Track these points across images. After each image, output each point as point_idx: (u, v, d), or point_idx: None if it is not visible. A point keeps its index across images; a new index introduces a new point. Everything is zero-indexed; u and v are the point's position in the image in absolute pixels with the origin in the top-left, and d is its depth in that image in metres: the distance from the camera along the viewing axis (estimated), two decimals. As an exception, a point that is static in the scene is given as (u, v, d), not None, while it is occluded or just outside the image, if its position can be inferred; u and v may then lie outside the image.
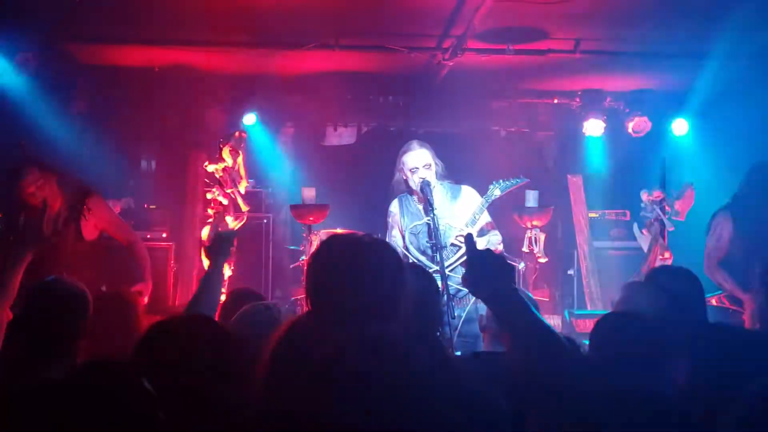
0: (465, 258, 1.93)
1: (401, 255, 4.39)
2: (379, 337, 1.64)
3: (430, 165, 4.28)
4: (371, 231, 2.33)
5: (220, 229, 5.33)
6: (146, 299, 4.16)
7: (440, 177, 4.35)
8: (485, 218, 4.30)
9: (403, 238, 4.36)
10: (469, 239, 1.97)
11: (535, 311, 1.90)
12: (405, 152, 4.35)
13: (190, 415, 1.97)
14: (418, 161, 4.29)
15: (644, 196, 5.15)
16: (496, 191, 4.22)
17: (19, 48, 5.58)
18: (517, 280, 6.22)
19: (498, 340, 2.75)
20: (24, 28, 5.48)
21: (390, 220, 4.47)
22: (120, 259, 4.85)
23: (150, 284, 4.29)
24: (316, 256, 1.98)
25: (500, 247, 4.31)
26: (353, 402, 1.56)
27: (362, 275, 1.88)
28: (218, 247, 3.09)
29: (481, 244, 4.16)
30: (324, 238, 2.09)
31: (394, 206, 4.45)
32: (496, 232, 4.36)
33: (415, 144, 4.37)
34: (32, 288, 2.89)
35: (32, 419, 1.70)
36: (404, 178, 4.36)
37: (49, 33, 5.62)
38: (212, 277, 3.03)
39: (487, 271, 1.85)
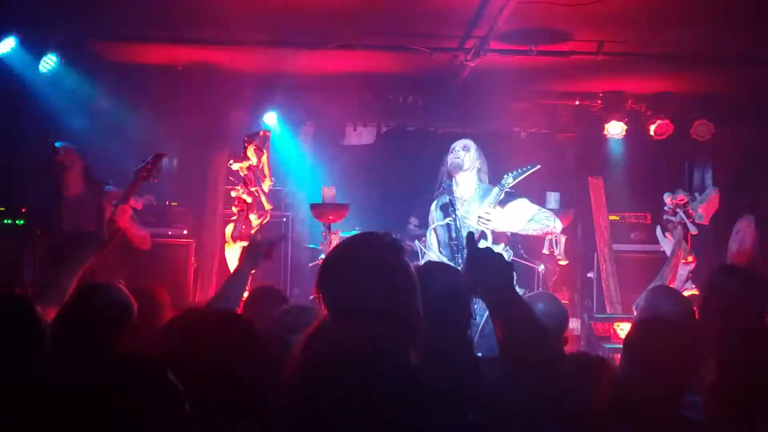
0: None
1: (419, 254, 4.52)
2: (359, 338, 1.65)
3: (469, 148, 4.50)
4: (389, 230, 2.33)
5: (253, 231, 5.39)
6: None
7: (481, 177, 4.47)
8: (514, 208, 4.35)
9: (436, 234, 4.50)
10: (470, 237, 2.01)
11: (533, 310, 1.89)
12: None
13: (217, 409, 1.99)
14: (459, 143, 4.55)
15: (668, 199, 5.09)
16: (509, 180, 4.39)
17: (45, 45, 5.65)
18: (535, 282, 6.20)
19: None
20: (49, 25, 5.56)
21: (429, 218, 4.65)
22: (139, 255, 4.92)
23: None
24: (326, 257, 2.03)
25: (548, 228, 4.39)
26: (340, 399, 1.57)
27: (356, 275, 1.89)
28: (254, 251, 3.13)
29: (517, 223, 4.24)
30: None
31: (434, 205, 4.62)
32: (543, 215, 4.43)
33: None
34: (83, 288, 2.89)
35: (60, 411, 1.73)
36: (447, 168, 4.53)
37: (74, 30, 5.69)
38: (240, 276, 3.07)
39: (485, 269, 1.84)
